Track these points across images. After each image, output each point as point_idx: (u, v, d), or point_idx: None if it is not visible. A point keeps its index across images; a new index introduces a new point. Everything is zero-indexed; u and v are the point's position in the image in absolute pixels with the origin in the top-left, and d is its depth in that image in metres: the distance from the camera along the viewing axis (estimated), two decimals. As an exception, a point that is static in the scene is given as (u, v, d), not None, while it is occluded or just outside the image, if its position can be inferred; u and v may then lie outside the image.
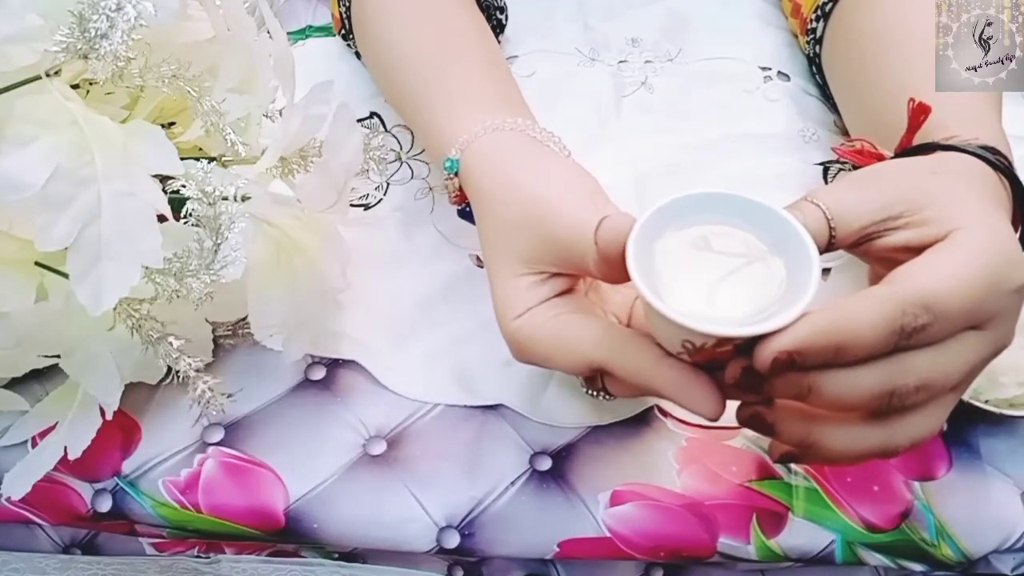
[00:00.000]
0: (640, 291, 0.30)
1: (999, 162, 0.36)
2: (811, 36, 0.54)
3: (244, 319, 0.45)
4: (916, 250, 0.33)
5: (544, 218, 0.37)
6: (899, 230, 0.33)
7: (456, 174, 0.42)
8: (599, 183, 0.40)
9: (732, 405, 0.44)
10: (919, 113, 0.37)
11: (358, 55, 0.59)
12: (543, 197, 0.38)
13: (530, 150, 0.41)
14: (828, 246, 0.33)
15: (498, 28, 0.59)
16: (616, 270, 0.33)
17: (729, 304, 0.31)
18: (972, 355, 0.32)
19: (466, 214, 0.44)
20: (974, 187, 0.35)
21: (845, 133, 0.55)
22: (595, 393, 0.39)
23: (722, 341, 0.30)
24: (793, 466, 0.42)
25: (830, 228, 0.33)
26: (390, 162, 0.55)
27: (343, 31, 0.59)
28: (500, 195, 0.39)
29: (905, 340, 0.30)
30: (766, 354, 0.29)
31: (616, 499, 0.41)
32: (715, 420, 0.33)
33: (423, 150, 0.56)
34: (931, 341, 0.31)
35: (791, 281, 0.31)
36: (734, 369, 0.31)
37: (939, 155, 0.36)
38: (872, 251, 0.34)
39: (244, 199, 0.37)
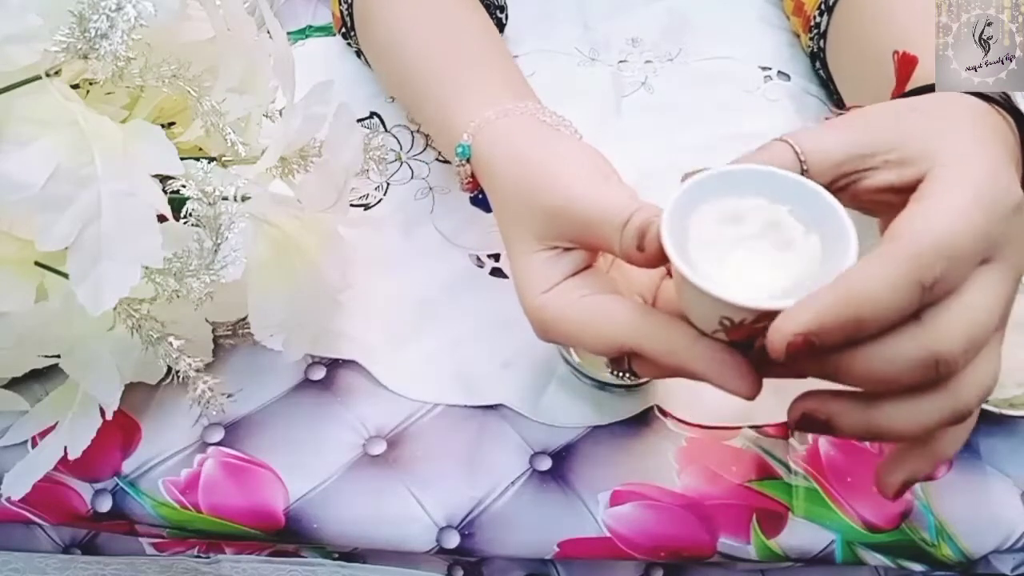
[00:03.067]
0: (678, 268, 0.29)
1: (996, 95, 0.35)
2: (815, 31, 0.54)
3: (244, 319, 0.45)
4: (901, 191, 0.32)
5: (551, 190, 0.37)
6: (878, 170, 0.32)
7: (468, 160, 0.42)
8: (609, 162, 0.40)
9: (733, 403, 0.44)
10: (906, 64, 0.36)
11: (359, 54, 0.59)
12: (550, 171, 0.37)
13: (540, 131, 0.41)
14: None
15: (498, 27, 0.59)
16: (651, 259, 0.33)
17: (766, 280, 0.30)
18: (999, 289, 0.30)
19: (479, 201, 0.44)
20: (961, 120, 0.34)
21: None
22: (620, 374, 0.37)
23: (761, 316, 0.29)
24: (793, 466, 0.42)
25: (801, 165, 0.32)
26: (390, 162, 0.55)
27: (344, 30, 0.59)
28: (511, 175, 0.39)
29: (929, 295, 0.28)
30: (778, 339, 0.28)
31: (616, 499, 0.41)
32: (752, 399, 0.31)
33: (423, 150, 0.56)
34: (950, 289, 0.29)
35: (827, 256, 0.30)
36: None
37: (930, 95, 0.35)
38: (859, 195, 0.33)
39: (244, 199, 0.37)
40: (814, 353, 0.28)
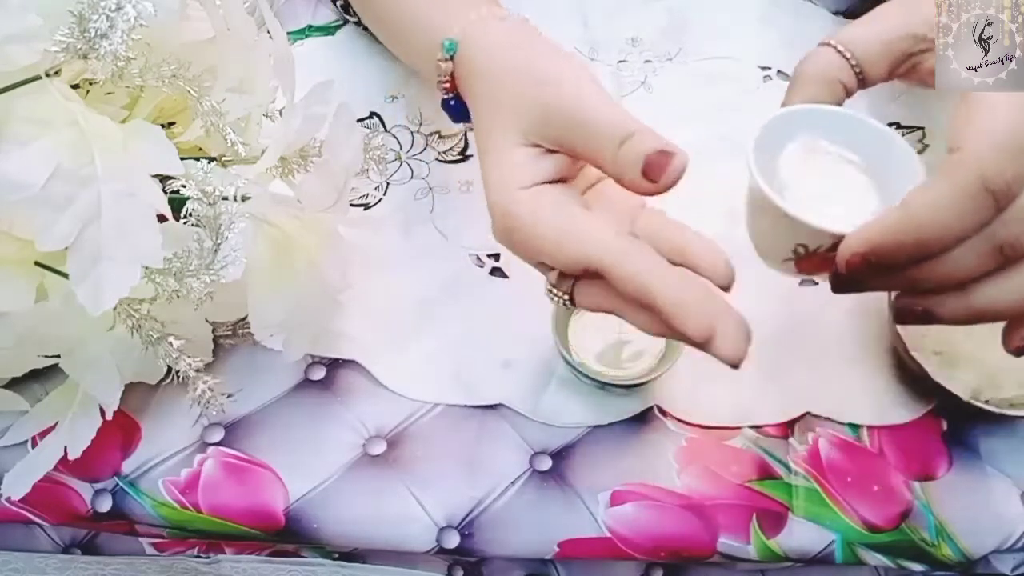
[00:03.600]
0: (765, 194, 0.31)
1: None
2: None
3: (244, 319, 0.45)
4: None
5: (557, 87, 0.36)
6: (933, 52, 0.32)
7: (452, 57, 0.41)
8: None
9: (734, 403, 0.44)
10: None
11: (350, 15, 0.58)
12: (555, 69, 0.37)
13: (535, 35, 0.41)
14: (860, 82, 0.33)
15: None
16: (655, 190, 0.33)
17: (843, 214, 0.31)
18: None
19: (450, 107, 0.43)
20: None
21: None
22: (556, 297, 0.36)
23: (836, 244, 0.30)
24: (793, 466, 0.42)
25: (850, 64, 0.33)
26: (390, 162, 0.55)
27: None
28: (509, 69, 0.38)
29: (1005, 199, 0.28)
30: (839, 259, 0.29)
31: (616, 499, 0.41)
32: (699, 341, 0.31)
33: (423, 150, 0.56)
34: None
35: (898, 191, 0.30)
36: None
37: None
38: (928, 78, 0.33)
39: (244, 199, 0.37)
40: (875, 271, 0.29)
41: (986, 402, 0.41)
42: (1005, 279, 0.30)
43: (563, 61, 0.38)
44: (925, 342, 0.43)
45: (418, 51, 0.46)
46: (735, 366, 0.31)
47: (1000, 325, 0.37)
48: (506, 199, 0.36)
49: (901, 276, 0.30)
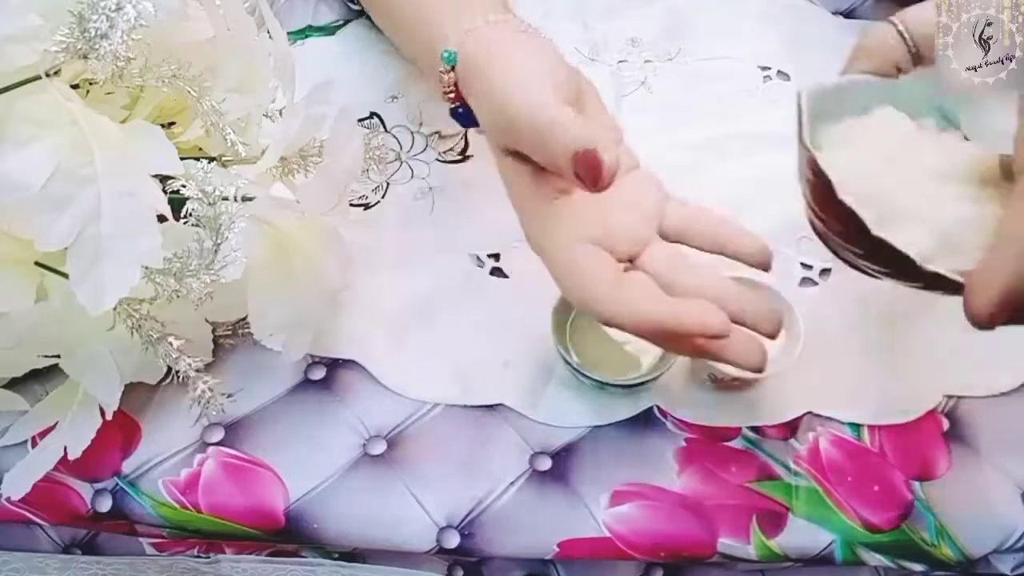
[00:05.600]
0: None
1: None
2: None
3: (244, 319, 0.45)
4: None
5: (512, 98, 0.38)
6: None
7: (453, 68, 0.42)
8: (576, 73, 0.41)
9: (733, 404, 0.44)
10: None
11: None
12: (515, 79, 0.38)
13: (522, 39, 0.42)
14: (916, 61, 0.36)
15: None
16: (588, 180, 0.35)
17: None
18: None
19: (459, 115, 0.44)
20: None
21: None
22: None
23: (736, 378, 0.43)
24: (793, 466, 0.42)
25: (906, 42, 0.36)
26: (390, 162, 0.55)
27: None
28: (486, 79, 0.40)
29: None
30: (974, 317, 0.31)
31: (616, 499, 0.41)
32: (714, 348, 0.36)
33: (423, 150, 0.56)
34: None
35: (787, 344, 0.43)
36: None
37: None
38: None
39: (245, 200, 0.37)
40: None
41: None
42: None
43: (530, 67, 0.39)
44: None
45: (419, 47, 0.48)
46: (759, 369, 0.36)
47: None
48: (515, 206, 0.40)
49: None
